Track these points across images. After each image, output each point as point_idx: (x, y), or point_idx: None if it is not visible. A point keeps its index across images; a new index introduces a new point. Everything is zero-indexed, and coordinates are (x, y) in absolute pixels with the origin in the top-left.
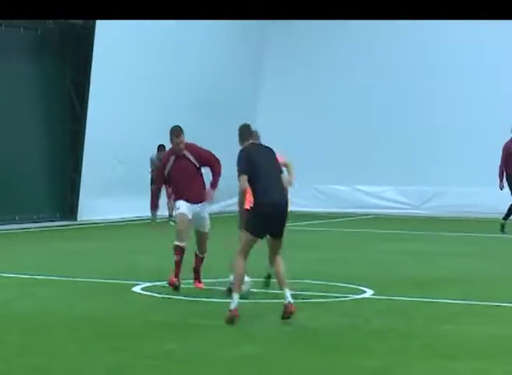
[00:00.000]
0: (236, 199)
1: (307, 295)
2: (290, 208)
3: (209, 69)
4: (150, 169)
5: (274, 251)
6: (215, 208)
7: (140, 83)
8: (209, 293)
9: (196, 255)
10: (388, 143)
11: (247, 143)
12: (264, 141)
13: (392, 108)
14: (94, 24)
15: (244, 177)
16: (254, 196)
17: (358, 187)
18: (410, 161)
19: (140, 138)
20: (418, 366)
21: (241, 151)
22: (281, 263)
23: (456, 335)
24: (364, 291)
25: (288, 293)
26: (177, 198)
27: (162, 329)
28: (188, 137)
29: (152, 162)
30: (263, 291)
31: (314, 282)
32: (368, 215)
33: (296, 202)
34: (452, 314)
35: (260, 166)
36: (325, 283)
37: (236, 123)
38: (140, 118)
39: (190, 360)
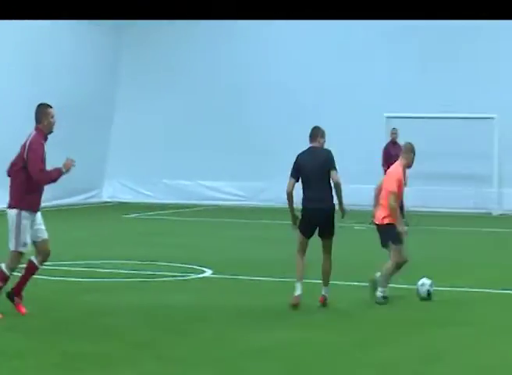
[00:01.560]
0: None
1: (160, 275)
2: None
3: (69, 70)
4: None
5: (324, 251)
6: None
7: (3, 84)
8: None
9: (35, 267)
10: (226, 144)
11: (312, 144)
12: (122, 138)
13: (228, 111)
14: None
15: (292, 181)
16: (302, 201)
17: (201, 182)
18: (244, 159)
19: (2, 136)
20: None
21: (297, 157)
22: (327, 263)
23: (268, 308)
24: (205, 271)
25: (324, 289)
26: (26, 208)
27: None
28: (52, 139)
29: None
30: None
31: (166, 264)
32: (209, 206)
33: (147, 195)
34: (269, 290)
35: (306, 174)
36: (173, 264)
37: (95, 123)
38: (4, 118)
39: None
